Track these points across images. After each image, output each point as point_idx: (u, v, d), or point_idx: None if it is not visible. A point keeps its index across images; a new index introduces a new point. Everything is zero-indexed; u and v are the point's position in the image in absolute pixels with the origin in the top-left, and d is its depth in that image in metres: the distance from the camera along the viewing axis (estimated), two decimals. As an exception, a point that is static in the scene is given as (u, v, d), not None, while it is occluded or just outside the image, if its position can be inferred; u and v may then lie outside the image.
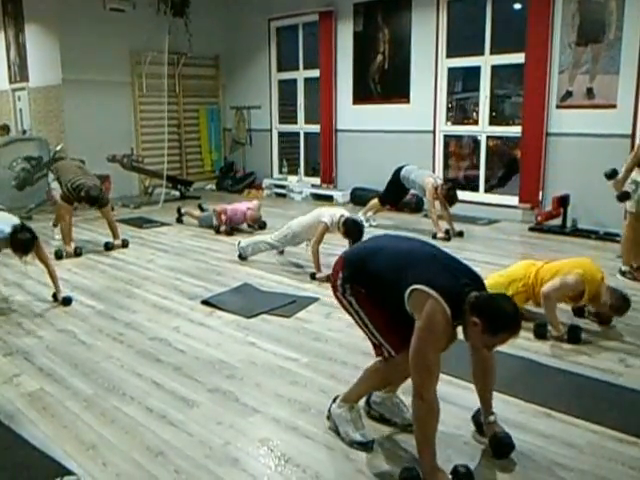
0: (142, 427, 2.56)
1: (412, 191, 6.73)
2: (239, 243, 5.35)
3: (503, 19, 7.09)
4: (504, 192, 7.63)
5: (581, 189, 6.28)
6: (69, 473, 2.20)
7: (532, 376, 3.02)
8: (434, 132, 7.65)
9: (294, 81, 9.41)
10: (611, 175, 4.61)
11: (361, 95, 8.36)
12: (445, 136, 7.78)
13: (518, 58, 6.78)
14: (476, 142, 7.77)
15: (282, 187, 9.27)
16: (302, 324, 3.80)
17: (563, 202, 6.30)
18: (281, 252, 5.42)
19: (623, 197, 4.54)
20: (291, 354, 3.32)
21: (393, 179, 6.47)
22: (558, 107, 6.49)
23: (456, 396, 2.71)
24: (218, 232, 6.46)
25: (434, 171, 7.45)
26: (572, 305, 3.71)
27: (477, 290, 2.12)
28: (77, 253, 5.57)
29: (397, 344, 2.28)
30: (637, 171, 4.52)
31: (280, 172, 9.64)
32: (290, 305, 4.12)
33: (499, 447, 2.32)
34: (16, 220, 4.10)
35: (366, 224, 6.50)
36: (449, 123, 7.89)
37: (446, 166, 7.97)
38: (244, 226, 6.66)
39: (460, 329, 2.13)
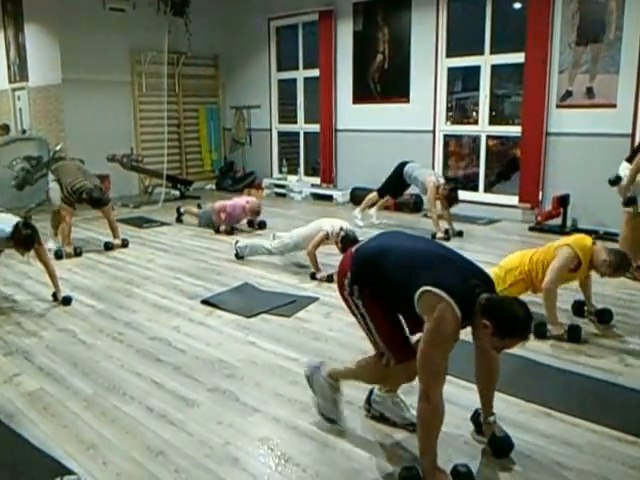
0: (142, 427, 2.56)
1: (411, 190, 6.74)
2: (237, 242, 5.35)
3: (503, 18, 7.09)
4: (504, 191, 7.63)
5: (581, 189, 6.28)
6: (69, 472, 2.20)
7: (532, 375, 3.02)
8: (434, 132, 7.65)
9: (294, 81, 9.41)
10: (614, 182, 4.62)
11: (361, 95, 8.36)
12: (445, 136, 7.79)
13: (518, 58, 6.78)
14: (476, 141, 7.78)
15: (282, 187, 9.27)
16: (302, 324, 3.80)
17: (563, 202, 6.30)
18: (281, 252, 5.41)
19: (629, 202, 4.56)
20: (291, 354, 3.32)
21: (395, 173, 6.45)
22: (558, 107, 6.49)
23: (456, 396, 2.70)
24: (218, 232, 6.46)
25: (433, 170, 7.46)
26: (575, 276, 3.61)
27: (487, 291, 2.11)
28: (77, 253, 5.57)
29: (401, 355, 2.28)
30: (629, 168, 4.54)
31: (280, 172, 9.64)
32: (290, 305, 4.12)
33: (498, 447, 2.32)
34: (17, 219, 4.10)
35: (360, 223, 6.51)
36: (449, 123, 7.89)
37: (446, 166, 7.97)
38: (244, 224, 6.67)
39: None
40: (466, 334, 2.16)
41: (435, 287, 2.04)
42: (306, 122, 9.40)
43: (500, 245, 5.81)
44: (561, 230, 6.24)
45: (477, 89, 7.31)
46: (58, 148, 7.73)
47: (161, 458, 2.33)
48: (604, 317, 3.69)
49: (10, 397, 2.83)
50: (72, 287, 4.57)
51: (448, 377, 2.79)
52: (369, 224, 6.64)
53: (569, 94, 6.39)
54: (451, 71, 7.60)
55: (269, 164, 9.87)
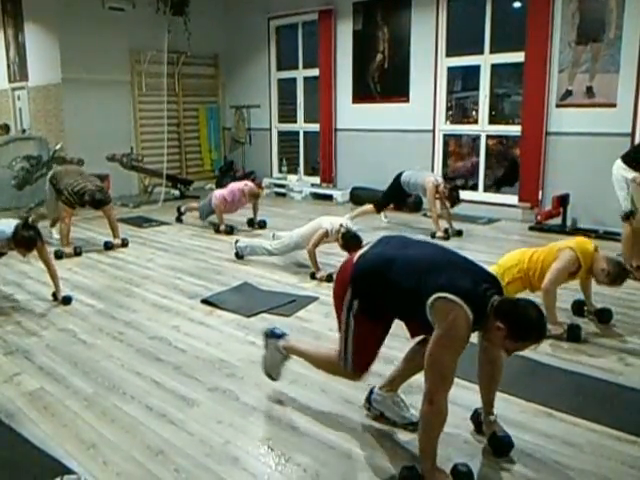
0: (142, 426, 2.56)
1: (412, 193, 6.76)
2: (237, 242, 5.35)
3: (503, 18, 7.09)
4: (504, 191, 7.63)
5: (581, 188, 6.28)
6: (69, 472, 2.20)
7: (532, 375, 3.02)
8: (434, 131, 7.65)
9: (294, 80, 9.40)
10: (628, 216, 4.61)
11: (361, 94, 8.35)
12: (445, 135, 7.78)
13: (518, 57, 6.78)
14: (475, 141, 7.77)
15: (282, 186, 9.27)
16: (302, 323, 3.80)
17: (563, 201, 6.30)
18: (282, 252, 5.40)
19: (628, 216, 4.59)
20: (291, 353, 3.32)
21: (393, 185, 6.43)
22: (558, 106, 6.49)
23: (456, 395, 2.69)
24: (218, 231, 6.46)
25: (433, 170, 7.48)
26: (575, 278, 3.62)
27: (497, 293, 2.10)
28: (77, 252, 5.57)
29: (360, 367, 2.41)
30: (629, 170, 4.54)
31: (280, 171, 9.64)
32: (290, 304, 4.12)
33: (499, 446, 2.32)
34: (17, 221, 4.09)
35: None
36: (448, 122, 7.89)
37: (445, 165, 7.97)
38: (244, 224, 6.67)
39: None
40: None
41: (448, 293, 2.02)
42: (306, 122, 9.40)
43: (500, 245, 5.81)
44: (561, 230, 6.25)
45: (477, 88, 7.31)
46: (58, 147, 7.73)
47: (161, 457, 2.33)
48: (604, 317, 3.70)
49: (10, 396, 2.83)
50: (72, 287, 4.57)
51: (448, 377, 2.82)
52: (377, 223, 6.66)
53: (569, 93, 6.39)
54: (451, 70, 7.60)
55: (269, 164, 9.87)
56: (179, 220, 7.13)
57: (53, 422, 2.60)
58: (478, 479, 2.17)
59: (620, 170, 4.58)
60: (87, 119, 8.50)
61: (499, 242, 5.94)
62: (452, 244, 5.76)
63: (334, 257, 5.02)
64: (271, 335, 2.82)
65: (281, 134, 9.86)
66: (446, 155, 7.99)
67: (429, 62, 7.52)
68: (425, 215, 7.13)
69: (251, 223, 6.72)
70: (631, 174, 4.52)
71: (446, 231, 6.07)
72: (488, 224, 6.83)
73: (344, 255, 4.75)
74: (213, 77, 10.22)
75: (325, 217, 4.95)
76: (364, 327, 2.33)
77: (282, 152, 9.89)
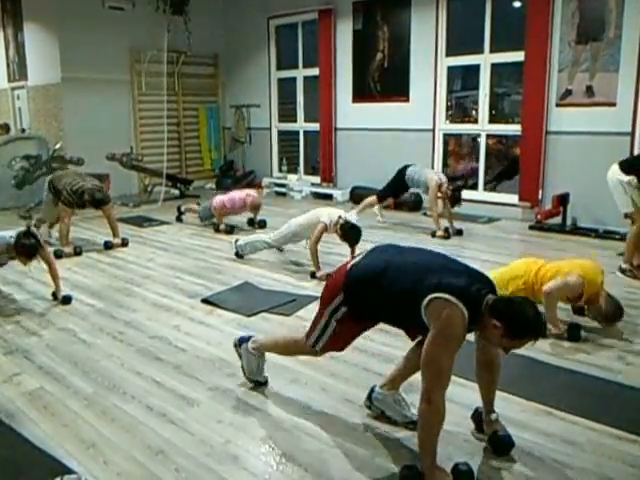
0: (142, 426, 2.56)
1: (412, 190, 6.75)
2: (236, 241, 5.34)
3: (503, 17, 7.08)
4: (504, 190, 7.63)
5: (581, 187, 6.28)
6: (70, 472, 2.20)
7: (532, 374, 3.02)
8: (433, 130, 7.65)
9: (293, 79, 9.40)
10: (631, 216, 4.63)
11: (361, 93, 8.35)
12: (445, 134, 7.78)
13: (518, 56, 6.77)
14: (475, 140, 7.77)
15: (282, 186, 9.26)
16: (302, 322, 3.78)
17: (563, 200, 6.30)
18: (281, 250, 5.41)
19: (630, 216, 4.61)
20: (291, 352, 3.32)
21: (397, 178, 6.44)
22: (558, 105, 6.49)
23: (456, 394, 2.70)
24: (218, 231, 6.46)
25: (433, 169, 7.46)
26: (570, 304, 3.71)
27: (491, 293, 2.11)
28: (77, 252, 5.57)
29: (329, 350, 2.57)
30: (623, 175, 4.57)
31: (280, 171, 9.64)
32: (290, 304, 4.12)
33: (499, 445, 2.32)
34: (18, 230, 4.07)
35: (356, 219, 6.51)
36: (448, 122, 7.89)
37: (445, 165, 7.97)
38: (244, 223, 6.66)
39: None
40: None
41: (442, 292, 2.04)
42: (306, 121, 9.39)
43: (500, 244, 5.82)
44: (561, 229, 6.25)
45: (477, 88, 7.30)
46: (57, 147, 7.73)
47: (161, 457, 2.33)
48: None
49: (10, 396, 2.83)
50: (72, 286, 4.57)
51: (448, 376, 2.82)
52: (375, 223, 6.66)
53: (569, 93, 6.39)
54: (451, 70, 7.59)
55: (269, 163, 9.87)
56: (179, 219, 7.13)
57: (53, 422, 2.59)
58: (478, 478, 2.17)
59: (616, 174, 4.63)
60: (87, 118, 8.49)
61: (499, 241, 5.94)
62: (452, 243, 5.76)
63: (335, 257, 5.02)
64: (239, 343, 2.89)
65: (281, 133, 9.86)
66: (446, 154, 7.99)
67: (429, 61, 7.52)
68: (425, 214, 7.13)
69: (251, 223, 6.72)
70: (626, 177, 4.57)
71: (446, 230, 6.07)
72: (488, 223, 6.83)
73: (344, 254, 4.77)
74: (213, 76, 10.21)
75: (322, 209, 4.94)
76: (345, 326, 2.41)
77: (282, 151, 9.89)
